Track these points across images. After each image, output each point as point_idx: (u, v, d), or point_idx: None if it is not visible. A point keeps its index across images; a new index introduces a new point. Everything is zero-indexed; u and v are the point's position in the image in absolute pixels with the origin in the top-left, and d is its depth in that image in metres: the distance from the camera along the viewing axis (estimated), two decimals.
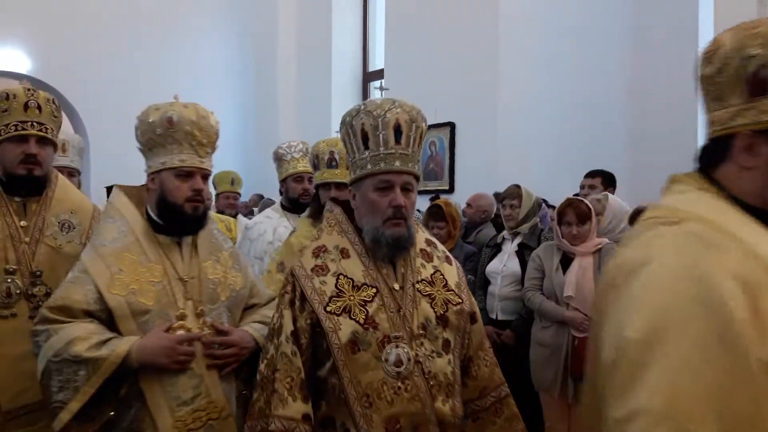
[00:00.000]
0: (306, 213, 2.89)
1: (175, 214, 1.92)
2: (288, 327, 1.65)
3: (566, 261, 3.46)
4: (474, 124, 5.77)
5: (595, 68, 5.86)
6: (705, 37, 5.75)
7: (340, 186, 2.64)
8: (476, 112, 5.72)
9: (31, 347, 1.98)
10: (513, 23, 5.63)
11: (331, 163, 2.72)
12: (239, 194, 5.59)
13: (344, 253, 1.72)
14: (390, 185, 1.66)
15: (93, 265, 1.87)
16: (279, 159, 3.47)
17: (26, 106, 2.29)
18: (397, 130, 1.67)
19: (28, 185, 2.33)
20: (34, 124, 2.31)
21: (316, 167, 2.78)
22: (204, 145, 1.95)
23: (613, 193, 4.50)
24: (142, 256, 1.90)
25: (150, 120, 1.90)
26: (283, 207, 3.45)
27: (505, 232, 3.96)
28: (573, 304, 3.36)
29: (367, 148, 1.68)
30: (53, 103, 2.40)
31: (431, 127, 6.08)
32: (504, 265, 3.81)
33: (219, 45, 8.40)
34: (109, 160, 7.24)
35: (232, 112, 8.29)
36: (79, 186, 3.44)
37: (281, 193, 3.55)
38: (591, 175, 4.72)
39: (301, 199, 3.36)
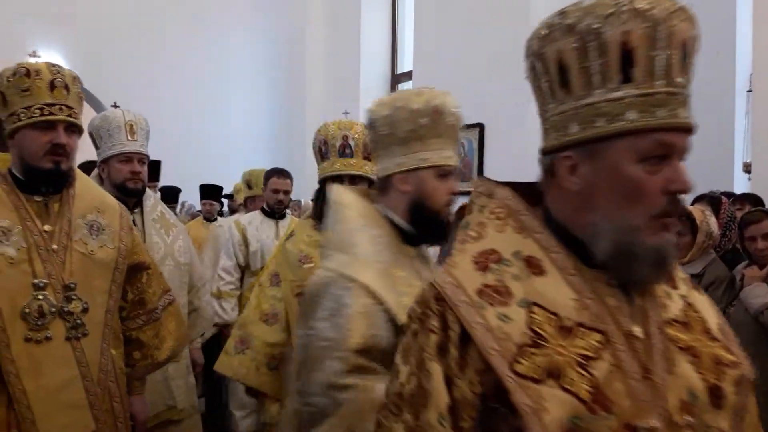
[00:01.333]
0: (306, 213, 2.54)
1: (434, 221, 1.56)
2: (440, 397, 0.90)
3: None
4: (503, 125, 5.72)
5: None
6: (743, 35, 5.62)
7: (354, 179, 2.25)
8: (506, 113, 5.67)
9: (72, 372, 1.86)
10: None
11: (344, 151, 2.29)
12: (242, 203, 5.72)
13: (534, 266, 0.95)
14: (668, 152, 0.90)
15: (380, 287, 1.40)
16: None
17: (52, 86, 1.92)
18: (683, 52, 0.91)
19: (54, 181, 1.96)
20: (63, 107, 1.93)
21: (323, 156, 2.33)
22: (456, 142, 1.62)
23: None
24: (411, 271, 1.52)
25: (414, 107, 1.51)
26: None
27: None
28: None
29: (626, 81, 0.88)
30: (79, 82, 2.07)
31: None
32: None
33: (248, 46, 8.47)
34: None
35: (260, 113, 8.36)
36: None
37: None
38: None
39: None
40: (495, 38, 5.77)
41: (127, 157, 2.68)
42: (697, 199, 3.72)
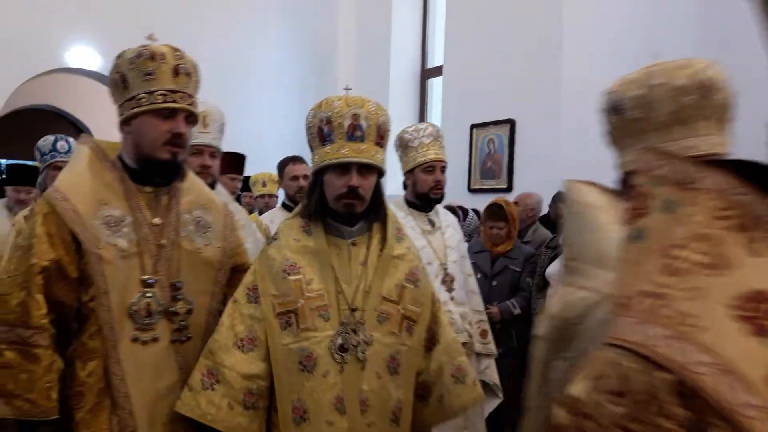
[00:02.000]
0: (295, 211, 1.97)
1: None
2: None
3: None
4: (535, 120, 5.63)
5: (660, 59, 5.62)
6: None
7: (364, 170, 1.81)
8: (537, 108, 5.58)
9: (173, 378, 1.76)
10: (577, 15, 5.47)
11: (354, 133, 1.80)
12: (274, 195, 5.49)
13: None
14: None
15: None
16: (404, 146, 2.97)
17: (176, 72, 1.82)
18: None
19: (169, 172, 1.83)
20: (184, 95, 1.80)
21: (324, 139, 1.82)
22: (726, 124, 1.30)
23: None
24: None
25: (678, 84, 1.22)
26: (409, 204, 3.00)
27: None
28: None
29: None
30: (199, 70, 1.97)
31: (490, 124, 6.02)
32: None
33: (278, 41, 8.49)
34: None
35: (290, 109, 8.38)
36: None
37: (405, 187, 3.08)
38: None
39: (431, 194, 2.92)
40: (527, 33, 5.67)
41: (198, 150, 2.48)
42: None
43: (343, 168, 1.78)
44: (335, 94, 7.70)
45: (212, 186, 2.51)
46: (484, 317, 3.17)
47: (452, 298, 2.91)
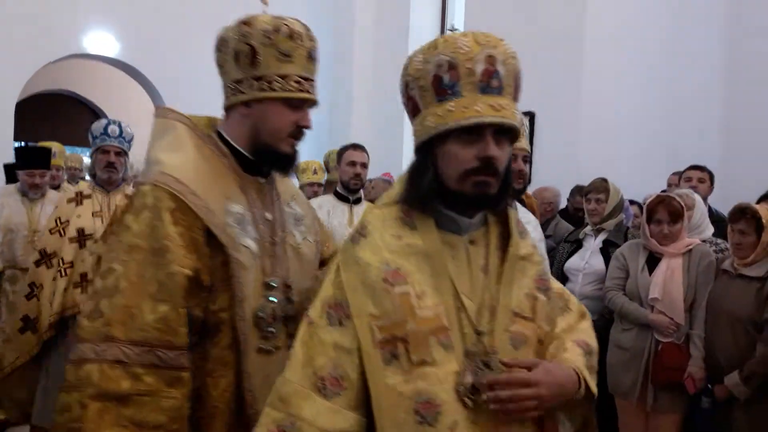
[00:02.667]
0: (389, 197, 1.38)
1: None
2: None
3: (652, 261, 3.25)
4: (555, 113, 5.55)
5: (686, 56, 5.52)
6: None
7: (500, 136, 1.25)
8: (558, 101, 5.50)
9: None
10: (600, 7, 5.37)
11: (490, 83, 1.23)
12: (322, 184, 5.41)
13: None
14: None
15: None
16: None
17: (310, 56, 1.59)
18: None
19: (287, 166, 1.62)
20: (313, 84, 1.59)
21: (445, 91, 1.24)
22: None
23: (711, 191, 4.21)
24: None
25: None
26: None
27: (587, 228, 3.77)
28: (659, 306, 3.16)
29: None
30: None
31: None
32: (586, 262, 3.63)
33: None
34: None
35: None
36: None
37: None
38: (699, 168, 4.31)
39: (516, 184, 2.51)
40: (548, 25, 5.59)
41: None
42: (763, 198, 3.53)
43: (474, 132, 1.22)
44: (352, 90, 7.65)
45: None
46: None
47: None
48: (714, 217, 3.86)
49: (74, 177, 6.00)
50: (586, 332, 1.41)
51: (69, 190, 4.88)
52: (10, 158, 5.34)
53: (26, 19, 6.93)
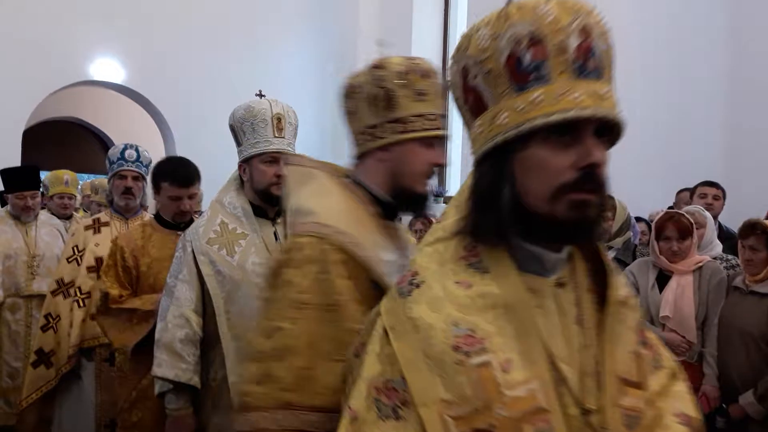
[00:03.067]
0: (444, 228, 1.04)
1: None
2: None
3: (662, 279, 3.22)
4: None
5: (690, 72, 5.53)
6: None
7: (600, 134, 0.94)
8: None
9: None
10: (607, 14, 5.39)
11: (586, 63, 0.89)
12: None
13: None
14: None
15: None
16: None
17: (442, 94, 1.53)
18: None
19: (422, 207, 1.58)
20: (440, 119, 1.51)
21: (523, 77, 0.89)
22: None
23: (722, 207, 4.19)
24: None
25: None
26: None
27: None
28: (670, 324, 3.12)
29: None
30: None
31: None
32: None
33: (298, 51, 8.52)
34: (196, 164, 7.48)
35: (309, 118, 8.39)
36: None
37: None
38: (713, 184, 4.27)
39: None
40: None
41: (273, 158, 2.24)
42: None
43: (570, 131, 0.88)
44: None
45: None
46: None
47: None
48: (724, 233, 3.83)
49: (89, 205, 5.84)
50: (683, 399, 1.04)
51: (79, 219, 4.79)
52: None
53: (33, 48, 7.01)
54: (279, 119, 2.29)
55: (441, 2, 7.84)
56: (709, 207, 3.77)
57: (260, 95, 2.58)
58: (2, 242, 4.05)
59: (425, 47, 7.73)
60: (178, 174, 2.74)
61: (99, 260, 3.20)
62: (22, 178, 4.09)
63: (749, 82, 5.56)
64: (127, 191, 3.30)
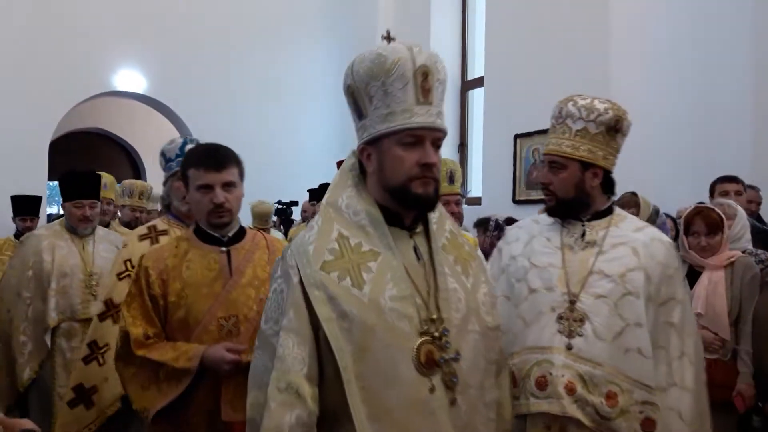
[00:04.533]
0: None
1: None
2: None
3: (693, 275, 3.15)
4: None
5: (716, 70, 5.41)
6: None
7: None
8: None
9: None
10: (626, 24, 5.32)
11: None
12: None
13: None
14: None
15: None
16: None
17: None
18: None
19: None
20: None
21: None
22: None
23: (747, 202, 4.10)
24: None
25: None
26: None
27: None
28: (702, 322, 3.04)
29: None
30: None
31: (534, 133, 5.89)
32: None
33: (317, 56, 8.54)
34: None
35: (329, 124, 8.41)
36: None
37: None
38: (732, 179, 4.19)
39: None
40: (572, 38, 5.54)
41: (416, 137, 1.45)
42: None
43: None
44: None
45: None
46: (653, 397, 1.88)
47: (569, 348, 1.92)
48: (758, 228, 3.74)
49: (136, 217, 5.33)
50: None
51: (118, 230, 4.44)
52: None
53: (56, 60, 7.14)
54: (425, 75, 1.47)
55: (459, 11, 7.80)
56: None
57: (388, 38, 1.68)
58: (57, 259, 3.53)
59: (443, 47, 7.69)
60: (207, 156, 2.14)
61: None
62: (82, 184, 3.55)
63: None
64: None
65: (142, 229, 2.78)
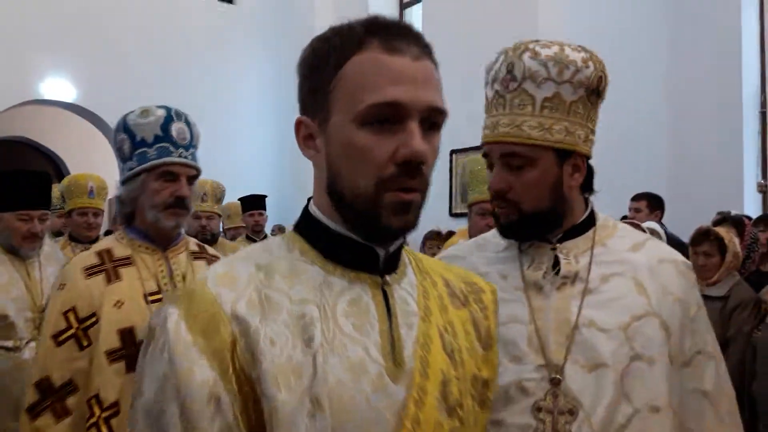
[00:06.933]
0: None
1: None
2: None
3: None
4: None
5: (631, 82, 5.69)
6: (748, 42, 5.57)
7: None
8: None
9: None
10: (552, 33, 5.53)
11: None
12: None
13: None
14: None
15: None
16: None
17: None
18: None
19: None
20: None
21: None
22: None
23: (661, 217, 4.34)
24: None
25: None
26: None
27: None
28: None
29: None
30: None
31: (470, 149, 6.03)
32: None
33: (257, 66, 8.49)
34: None
35: (266, 137, 8.36)
36: None
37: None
38: (636, 198, 4.55)
39: None
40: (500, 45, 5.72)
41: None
42: (720, 222, 3.66)
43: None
44: None
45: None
46: None
47: None
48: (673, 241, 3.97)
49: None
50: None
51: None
52: None
53: None
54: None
55: (396, 13, 7.93)
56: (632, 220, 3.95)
57: None
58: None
59: None
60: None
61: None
62: (29, 189, 2.59)
63: (689, 83, 5.73)
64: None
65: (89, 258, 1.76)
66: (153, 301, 1.70)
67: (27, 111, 8.46)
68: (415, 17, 7.53)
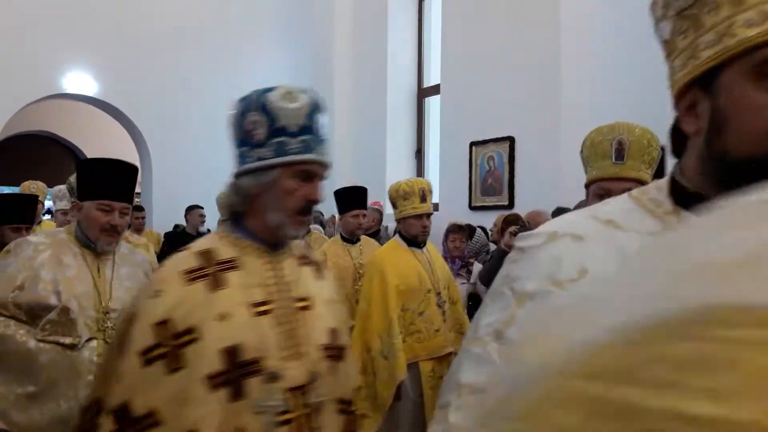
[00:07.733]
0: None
1: None
2: None
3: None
4: (534, 138, 5.60)
5: (662, 78, 5.61)
6: None
7: None
8: (537, 125, 5.56)
9: None
10: (575, 32, 5.46)
11: None
12: None
13: None
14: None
15: None
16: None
17: None
18: None
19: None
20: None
21: None
22: None
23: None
24: None
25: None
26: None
27: None
28: None
29: None
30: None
31: (489, 141, 6.00)
32: None
33: (276, 63, 8.50)
34: (171, 178, 7.41)
35: None
36: None
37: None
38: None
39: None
40: (524, 49, 5.66)
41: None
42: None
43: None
44: (332, 114, 7.73)
45: None
46: None
47: None
48: None
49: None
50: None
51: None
52: None
53: (2, 60, 6.90)
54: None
55: (414, 20, 7.88)
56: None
57: None
58: (62, 281, 2.37)
59: (401, 55, 7.76)
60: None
61: None
62: (113, 179, 2.46)
63: None
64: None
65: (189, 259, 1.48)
66: (260, 313, 1.40)
67: (50, 105, 8.57)
68: (434, 10, 7.48)
